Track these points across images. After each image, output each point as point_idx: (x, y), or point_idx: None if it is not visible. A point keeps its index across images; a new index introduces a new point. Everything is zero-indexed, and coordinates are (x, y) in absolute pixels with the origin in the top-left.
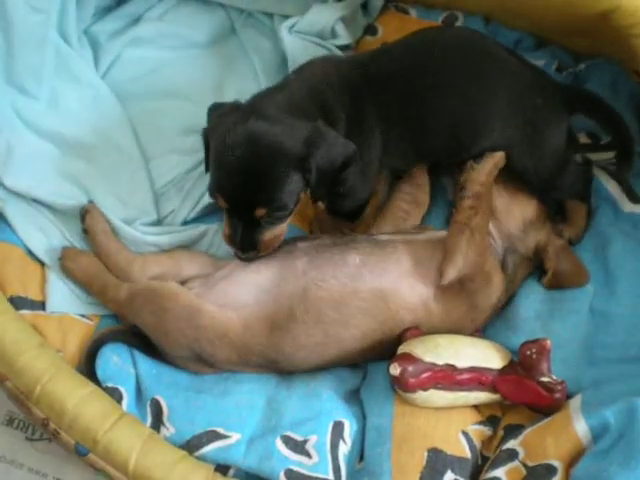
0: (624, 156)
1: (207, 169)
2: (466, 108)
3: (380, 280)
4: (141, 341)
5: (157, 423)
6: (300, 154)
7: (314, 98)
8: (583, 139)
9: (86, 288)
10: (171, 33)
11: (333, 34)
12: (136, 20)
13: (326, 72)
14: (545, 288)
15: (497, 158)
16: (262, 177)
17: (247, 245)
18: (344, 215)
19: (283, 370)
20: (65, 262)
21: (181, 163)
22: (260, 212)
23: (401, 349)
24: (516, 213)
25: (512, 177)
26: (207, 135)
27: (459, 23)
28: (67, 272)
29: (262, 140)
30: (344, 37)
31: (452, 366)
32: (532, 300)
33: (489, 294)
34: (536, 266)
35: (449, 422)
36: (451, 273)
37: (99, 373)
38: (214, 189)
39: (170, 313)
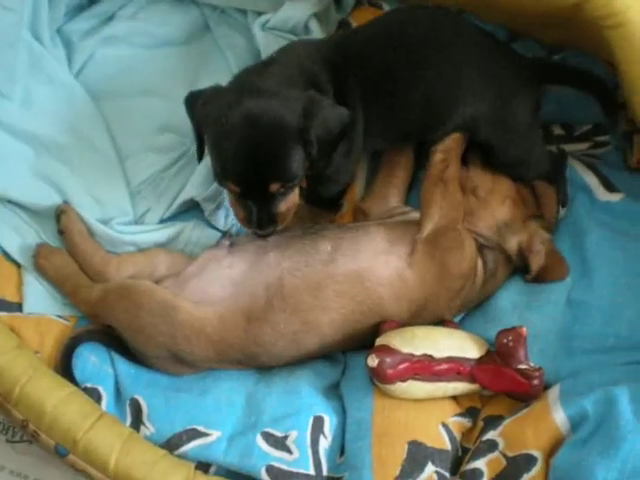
0: (610, 107)
1: (200, 159)
2: (439, 81)
3: (354, 261)
4: (118, 342)
5: (137, 422)
6: (299, 126)
7: (302, 72)
8: (557, 130)
9: (58, 287)
10: (144, 31)
11: (306, 30)
12: (109, 19)
13: (308, 51)
14: (525, 282)
15: (457, 135)
16: (269, 153)
17: (265, 221)
18: (324, 203)
19: (263, 364)
20: (38, 260)
21: (156, 161)
22: (274, 187)
23: (379, 341)
24: (487, 217)
25: (483, 181)
26: (199, 124)
27: None
28: (40, 270)
29: (262, 116)
30: (317, 33)
31: (430, 356)
32: (509, 292)
33: (461, 258)
34: (518, 266)
35: (429, 415)
36: (428, 225)
37: (77, 373)
38: (223, 177)
39: (145, 309)
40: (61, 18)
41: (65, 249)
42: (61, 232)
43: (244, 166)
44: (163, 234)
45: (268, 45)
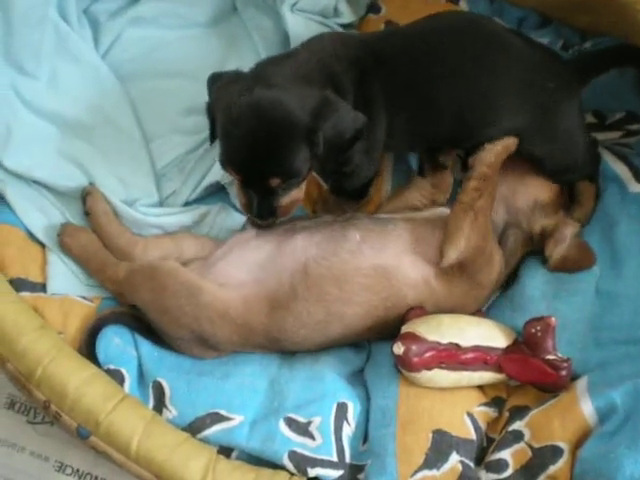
0: None
1: (212, 142)
2: (475, 93)
3: (381, 256)
4: (143, 325)
5: (159, 405)
6: (307, 126)
7: (322, 69)
8: (590, 118)
9: (84, 266)
10: (172, 12)
11: (336, 12)
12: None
13: (335, 47)
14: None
15: (508, 142)
16: (272, 147)
17: (265, 212)
18: (348, 195)
19: (285, 349)
20: (64, 238)
21: (182, 143)
22: (274, 182)
23: (405, 328)
24: (530, 190)
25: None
26: (211, 108)
27: (464, 1)
28: (65, 248)
29: (270, 109)
30: (347, 15)
31: (456, 345)
32: (537, 281)
33: (490, 272)
34: (536, 248)
35: (454, 403)
36: (452, 255)
37: (101, 355)
38: (225, 162)
39: (170, 290)
40: None
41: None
42: (87, 213)
43: (246, 156)
44: (188, 217)
45: (296, 27)
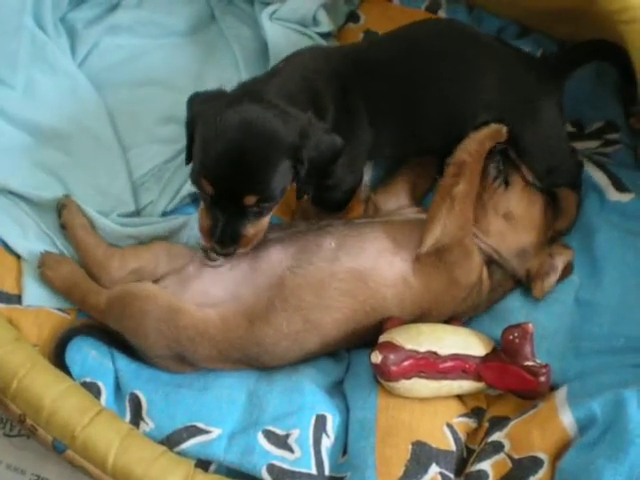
0: (628, 75)
1: (188, 161)
2: (457, 96)
3: (357, 260)
4: (117, 339)
5: (136, 418)
6: (293, 143)
7: (305, 87)
8: (568, 128)
9: (66, 297)
10: (149, 21)
11: (315, 21)
12: (113, 7)
13: (316, 62)
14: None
15: (492, 129)
16: (254, 163)
17: (227, 238)
18: (330, 206)
19: (265, 365)
20: (45, 271)
21: (160, 153)
22: (250, 200)
23: (382, 338)
24: (511, 243)
25: (518, 208)
26: (192, 123)
27: (442, 10)
28: (47, 281)
29: (256, 125)
30: (326, 24)
31: (434, 353)
32: (516, 291)
33: (468, 270)
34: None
35: (434, 415)
36: (429, 241)
37: (77, 368)
38: (200, 173)
39: (150, 315)
40: (65, 6)
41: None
42: (63, 226)
43: (224, 168)
44: (165, 227)
45: (275, 36)
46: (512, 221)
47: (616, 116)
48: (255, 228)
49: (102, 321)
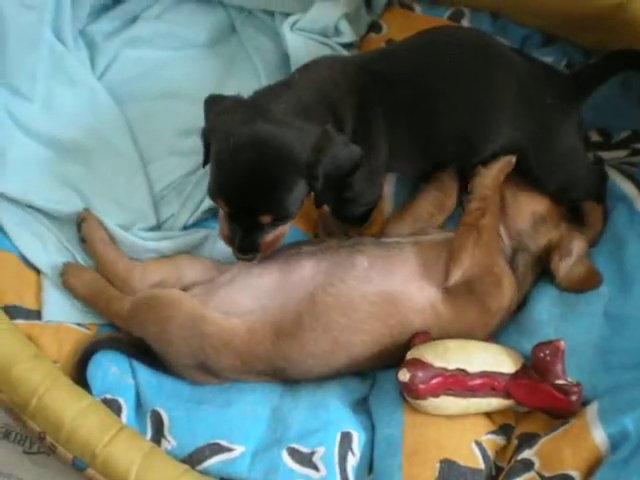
0: None
1: (205, 165)
2: (475, 111)
3: (388, 283)
4: (140, 350)
5: (158, 436)
6: (308, 161)
7: (322, 100)
8: (595, 137)
9: (90, 305)
10: (169, 33)
11: (336, 32)
12: (133, 20)
13: (332, 72)
14: (559, 289)
15: (504, 162)
16: (268, 184)
17: (247, 248)
18: (351, 220)
19: (289, 378)
20: (68, 278)
21: (181, 166)
22: (265, 219)
23: (410, 354)
24: (525, 208)
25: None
26: (207, 134)
27: (466, 19)
28: (69, 288)
29: (270, 144)
30: (348, 35)
31: (463, 371)
32: (544, 303)
33: (500, 297)
34: (546, 267)
35: (461, 432)
36: (456, 273)
37: (97, 384)
38: (215, 193)
39: (173, 321)
40: (84, 18)
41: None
42: (83, 240)
43: (239, 189)
44: (186, 241)
45: (296, 47)
46: (520, 185)
47: None
48: (274, 235)
49: (125, 328)
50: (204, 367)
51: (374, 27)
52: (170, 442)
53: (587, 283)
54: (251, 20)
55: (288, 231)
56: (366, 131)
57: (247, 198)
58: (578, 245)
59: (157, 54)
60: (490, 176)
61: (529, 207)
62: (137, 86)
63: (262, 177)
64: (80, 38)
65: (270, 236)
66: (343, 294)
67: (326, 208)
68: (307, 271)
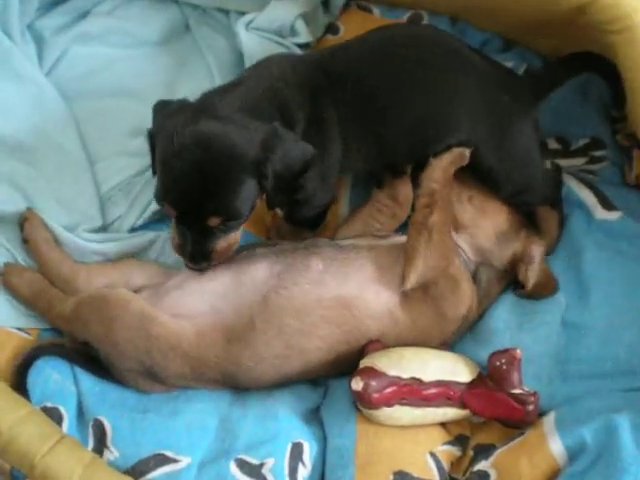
0: (617, 83)
1: (154, 172)
2: (430, 106)
3: (344, 287)
4: (83, 357)
5: (100, 446)
6: (256, 158)
7: (271, 98)
8: (553, 144)
9: (31, 306)
10: (121, 30)
11: (292, 32)
12: (84, 15)
13: (283, 70)
14: (517, 296)
15: (455, 154)
16: (214, 184)
17: (198, 255)
18: (304, 223)
19: (240, 385)
20: (9, 278)
21: (129, 166)
22: (213, 222)
23: (363, 362)
24: (486, 226)
25: (478, 189)
26: (152, 136)
27: (424, 23)
28: (11, 289)
29: (214, 143)
30: (304, 35)
31: (418, 380)
32: (500, 311)
33: (457, 302)
34: (512, 279)
35: (416, 443)
36: (412, 278)
37: (37, 392)
38: (161, 196)
39: (119, 322)
40: (33, 13)
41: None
42: (25, 241)
43: (184, 190)
44: (133, 243)
45: (251, 46)
46: (478, 205)
47: (602, 132)
48: (225, 242)
49: (68, 331)
50: (151, 373)
51: (331, 28)
52: (113, 453)
53: (545, 289)
54: (205, 18)
55: (240, 238)
56: (318, 129)
57: (193, 199)
58: (537, 250)
59: (107, 51)
60: (439, 168)
61: (491, 225)
62: (86, 83)
63: (207, 176)
64: (28, 32)
65: (222, 243)
66: (296, 297)
67: (279, 212)
68: (260, 273)
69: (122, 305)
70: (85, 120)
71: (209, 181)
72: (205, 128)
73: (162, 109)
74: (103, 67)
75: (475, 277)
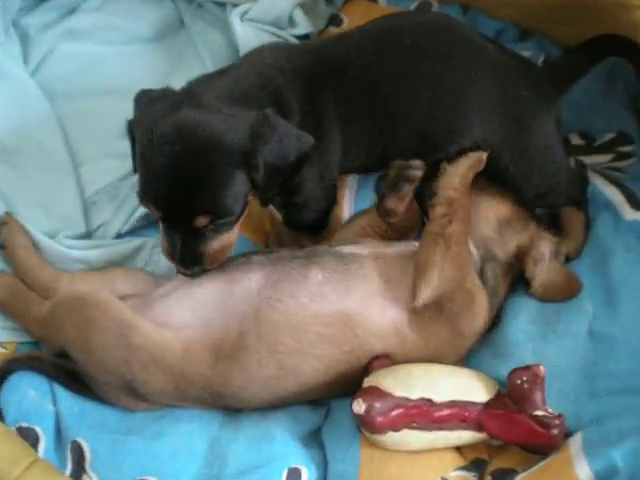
0: None
1: (135, 169)
2: (439, 103)
3: (345, 301)
4: (63, 372)
5: (78, 470)
6: (244, 148)
7: (263, 85)
8: (576, 140)
9: (6, 309)
10: (111, 26)
11: (291, 23)
12: (72, 11)
13: (277, 58)
14: (536, 300)
15: (473, 159)
16: (199, 178)
17: (188, 259)
18: (305, 228)
19: (230, 406)
20: None
21: (116, 168)
22: (201, 221)
23: (367, 382)
24: (487, 213)
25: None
26: (132, 128)
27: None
28: None
29: (196, 132)
30: (303, 26)
31: (428, 400)
32: (521, 321)
33: (473, 317)
34: (518, 275)
35: (426, 468)
36: (425, 292)
37: (12, 411)
38: (143, 196)
39: (97, 326)
40: (16, 9)
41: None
42: (2, 246)
43: (166, 187)
44: (118, 250)
45: (246, 38)
46: (479, 190)
47: (629, 126)
48: (218, 244)
49: (44, 337)
50: (131, 388)
51: (334, 20)
52: (92, 478)
53: (566, 290)
54: (201, 13)
55: (236, 239)
56: (315, 124)
57: (177, 197)
58: (547, 246)
59: (97, 48)
60: (457, 175)
61: (491, 211)
62: (73, 82)
63: (190, 171)
64: (12, 30)
65: (214, 244)
66: (292, 311)
67: (278, 216)
68: (254, 284)
69: (100, 308)
70: (71, 121)
71: (192, 176)
72: (186, 118)
73: (144, 98)
74: (92, 65)
75: (481, 276)
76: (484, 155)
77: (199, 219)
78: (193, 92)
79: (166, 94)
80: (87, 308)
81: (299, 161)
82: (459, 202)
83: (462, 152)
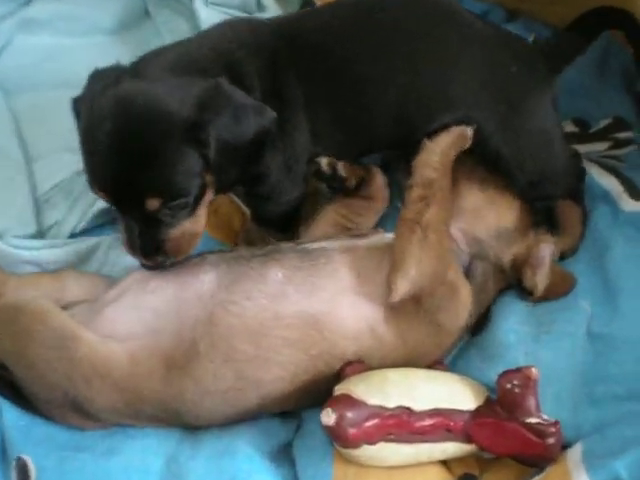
0: None
1: None
2: (419, 80)
3: (310, 300)
4: (7, 384)
5: None
6: (191, 120)
7: (218, 57)
8: (570, 127)
9: None
10: (70, 16)
11: (259, 6)
12: (29, 1)
13: (238, 32)
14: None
15: (454, 134)
16: (143, 155)
17: (149, 247)
18: (273, 224)
19: (187, 423)
20: None
21: (72, 163)
22: (152, 204)
23: (338, 389)
24: (489, 218)
25: (494, 175)
26: (77, 107)
27: None
28: None
29: (136, 105)
30: (273, 9)
31: (408, 409)
32: (512, 321)
33: (456, 312)
34: (511, 282)
35: None
36: (402, 286)
37: None
38: (89, 180)
39: (37, 338)
40: None
41: None
42: None
43: (112, 169)
44: (72, 250)
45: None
46: (488, 192)
47: (626, 111)
48: (180, 230)
49: None
50: (77, 406)
51: (308, 4)
52: None
53: (559, 288)
54: (166, 1)
55: (202, 226)
56: (280, 107)
57: (123, 178)
58: (547, 248)
59: (56, 40)
60: (436, 152)
61: (495, 218)
62: (29, 75)
63: (133, 147)
64: None
65: (174, 231)
66: (249, 315)
67: (247, 211)
68: (207, 286)
69: (39, 318)
70: (27, 114)
71: (136, 153)
72: (126, 90)
73: (95, 76)
74: (51, 57)
75: (468, 272)
76: (468, 130)
77: (150, 202)
78: (139, 64)
79: (113, 69)
80: (24, 317)
81: (258, 138)
82: (438, 184)
83: (444, 127)
